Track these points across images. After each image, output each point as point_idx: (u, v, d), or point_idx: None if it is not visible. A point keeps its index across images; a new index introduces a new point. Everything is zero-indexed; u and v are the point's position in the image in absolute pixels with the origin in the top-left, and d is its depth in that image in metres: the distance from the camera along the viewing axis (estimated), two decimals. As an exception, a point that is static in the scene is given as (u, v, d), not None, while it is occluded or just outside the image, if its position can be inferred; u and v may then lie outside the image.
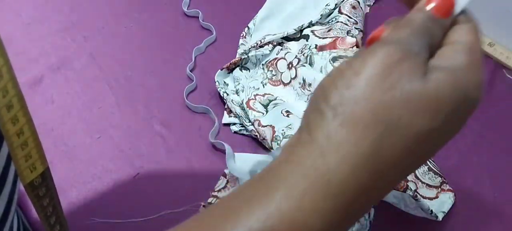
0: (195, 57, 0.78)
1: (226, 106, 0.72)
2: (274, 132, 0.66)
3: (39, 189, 0.40)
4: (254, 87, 0.73)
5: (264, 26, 0.81)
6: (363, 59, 0.24)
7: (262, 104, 0.71)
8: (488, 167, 0.67)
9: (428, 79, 0.25)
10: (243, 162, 0.65)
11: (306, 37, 0.79)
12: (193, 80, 0.74)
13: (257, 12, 0.83)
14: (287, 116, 0.68)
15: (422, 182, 0.64)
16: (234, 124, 0.71)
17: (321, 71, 0.72)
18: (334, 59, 0.72)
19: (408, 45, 0.25)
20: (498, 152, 0.69)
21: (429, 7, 0.27)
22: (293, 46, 0.78)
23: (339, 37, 0.76)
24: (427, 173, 0.65)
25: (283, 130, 0.66)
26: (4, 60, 0.32)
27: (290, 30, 0.79)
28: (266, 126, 0.67)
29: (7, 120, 0.34)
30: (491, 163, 0.67)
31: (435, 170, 0.65)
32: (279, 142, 0.65)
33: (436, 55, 0.26)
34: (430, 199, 0.62)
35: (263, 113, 0.69)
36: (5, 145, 0.35)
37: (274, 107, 0.70)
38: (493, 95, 0.75)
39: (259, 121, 0.68)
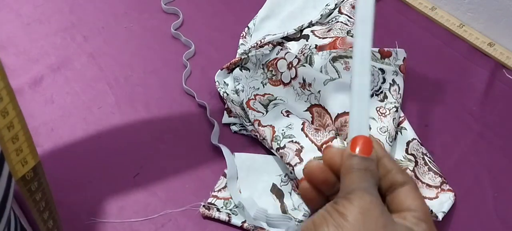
0: (192, 56, 0.78)
1: (226, 106, 0.72)
2: (274, 131, 0.66)
3: (31, 183, 0.40)
4: (254, 87, 0.73)
5: (264, 26, 0.81)
6: (344, 205, 0.30)
7: (262, 104, 0.71)
8: (488, 167, 0.67)
9: None
10: (243, 162, 0.65)
11: (306, 37, 0.79)
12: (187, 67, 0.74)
13: (257, 12, 0.83)
14: (287, 115, 0.68)
15: (422, 182, 0.64)
16: (234, 124, 0.71)
17: (321, 71, 0.72)
18: (334, 59, 0.72)
19: (369, 189, 0.31)
20: (498, 152, 0.69)
21: (358, 151, 0.34)
22: (293, 46, 0.78)
23: (339, 37, 0.76)
24: (427, 173, 0.65)
25: (283, 130, 0.66)
26: None
27: (290, 30, 0.79)
28: (266, 126, 0.67)
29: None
30: (491, 163, 0.67)
31: (435, 170, 0.65)
32: (279, 141, 0.65)
33: (399, 216, 0.32)
34: (430, 199, 0.62)
35: (263, 113, 0.69)
36: None
37: (274, 107, 0.70)
38: (493, 95, 0.75)
39: (259, 121, 0.68)
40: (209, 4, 0.86)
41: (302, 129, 0.66)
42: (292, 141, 0.64)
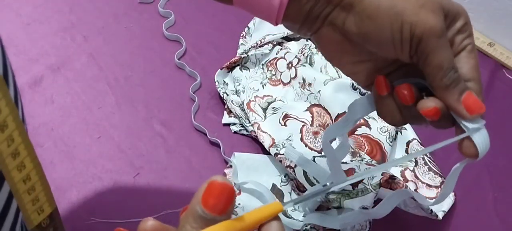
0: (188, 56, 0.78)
1: (226, 106, 0.72)
2: (273, 141, 0.66)
3: (47, 230, 0.40)
4: (254, 88, 0.73)
5: (264, 26, 0.81)
6: None
7: (261, 108, 0.70)
8: (488, 167, 0.67)
9: None
10: (243, 162, 0.65)
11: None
12: (197, 79, 0.74)
13: (257, 12, 0.83)
14: (285, 124, 0.68)
15: (422, 182, 0.64)
16: (234, 124, 0.71)
17: (321, 71, 0.72)
18: None
19: None
20: (498, 152, 0.69)
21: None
22: (293, 46, 0.78)
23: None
24: (427, 173, 0.65)
25: (283, 142, 0.66)
26: (10, 109, 0.33)
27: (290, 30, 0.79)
28: (265, 132, 0.67)
29: (12, 168, 0.34)
30: (491, 163, 0.67)
31: (435, 170, 0.65)
32: (278, 149, 0.65)
33: None
34: (430, 198, 0.63)
35: (262, 118, 0.69)
36: (6, 184, 0.35)
37: (272, 114, 0.70)
38: (493, 95, 0.75)
39: (259, 124, 0.68)
40: (209, 4, 0.86)
41: (301, 139, 0.66)
42: None
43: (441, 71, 0.35)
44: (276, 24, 0.39)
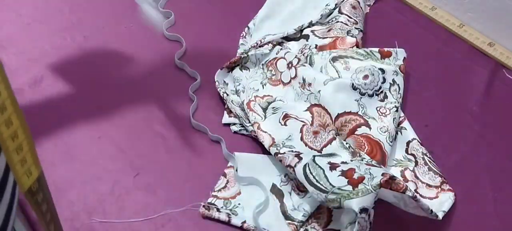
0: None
1: (226, 106, 0.72)
2: (273, 141, 0.66)
3: (37, 195, 0.40)
4: (254, 88, 0.73)
5: (264, 26, 0.81)
6: None
7: (261, 108, 0.70)
8: (488, 167, 0.67)
9: None
10: (243, 162, 0.65)
11: (306, 37, 0.79)
12: (197, 79, 0.74)
13: (257, 12, 0.83)
14: (285, 124, 0.68)
15: (422, 182, 0.64)
16: (234, 124, 0.71)
17: (321, 71, 0.72)
18: (334, 59, 0.72)
19: None
20: (498, 152, 0.69)
21: None
22: (293, 46, 0.78)
23: (339, 37, 0.76)
24: (427, 173, 0.65)
25: (283, 141, 0.66)
26: (2, 79, 0.33)
27: (290, 30, 0.79)
28: (265, 132, 0.67)
29: (1, 123, 0.34)
30: (491, 163, 0.67)
31: (435, 170, 0.65)
32: (278, 148, 0.65)
33: None
34: (430, 198, 0.62)
35: (262, 118, 0.69)
36: (2, 156, 0.35)
37: (272, 114, 0.70)
38: (493, 95, 0.75)
39: (259, 124, 0.68)
40: (209, 4, 0.86)
41: (301, 138, 0.66)
42: (291, 151, 0.65)
43: None
44: None
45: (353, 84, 0.69)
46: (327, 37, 0.77)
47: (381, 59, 0.73)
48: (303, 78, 0.72)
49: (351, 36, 0.76)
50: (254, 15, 0.83)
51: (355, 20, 0.80)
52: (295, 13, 0.83)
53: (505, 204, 0.63)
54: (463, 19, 0.83)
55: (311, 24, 0.81)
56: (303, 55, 0.75)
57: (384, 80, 0.70)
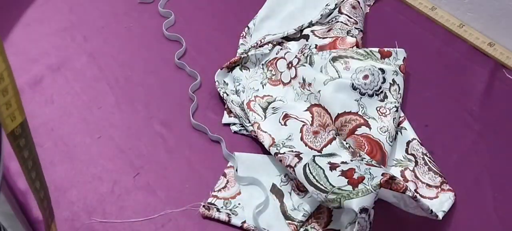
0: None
1: (226, 106, 0.72)
2: (273, 141, 0.66)
3: (19, 139, 0.41)
4: (254, 88, 0.73)
5: (264, 26, 0.81)
6: None
7: (261, 108, 0.70)
8: (488, 167, 0.67)
9: None
10: (243, 162, 0.66)
11: (306, 37, 0.79)
12: (197, 79, 0.74)
13: (257, 12, 0.83)
14: (285, 124, 0.68)
15: (422, 182, 0.64)
16: (234, 124, 0.71)
17: (321, 71, 0.72)
18: (334, 59, 0.72)
19: None
20: (498, 152, 0.69)
21: None
22: (293, 46, 0.78)
23: (339, 37, 0.76)
24: (427, 173, 0.65)
25: (283, 141, 0.66)
26: None
27: (290, 30, 0.79)
28: (265, 132, 0.67)
29: None
30: (491, 163, 0.67)
31: (435, 170, 0.65)
32: (278, 148, 0.65)
33: None
34: (430, 198, 0.62)
35: (262, 118, 0.69)
36: None
37: (272, 114, 0.70)
38: (493, 95, 0.75)
39: (259, 124, 0.68)
40: (209, 4, 0.86)
41: (301, 138, 0.66)
42: (291, 151, 0.65)
43: None
44: None
45: (353, 84, 0.69)
46: (327, 37, 0.77)
47: (381, 59, 0.73)
48: (303, 78, 0.72)
49: (351, 36, 0.76)
50: (254, 15, 0.83)
51: (355, 20, 0.80)
52: (295, 13, 0.83)
53: (505, 204, 0.63)
54: (463, 19, 0.83)
55: (311, 24, 0.81)
56: (303, 55, 0.75)
57: (384, 80, 0.70)
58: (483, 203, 0.64)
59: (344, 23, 0.79)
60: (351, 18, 0.80)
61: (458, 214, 0.62)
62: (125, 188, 0.64)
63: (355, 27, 0.78)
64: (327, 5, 0.83)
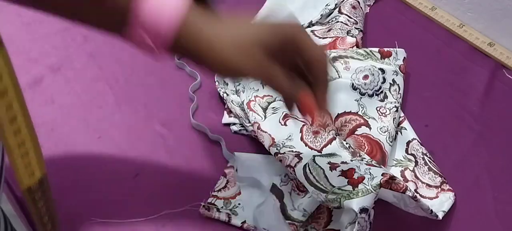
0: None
1: (226, 106, 0.72)
2: (273, 141, 0.66)
3: (35, 193, 0.41)
4: (253, 88, 0.73)
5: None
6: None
7: (261, 108, 0.70)
8: (488, 167, 0.67)
9: None
10: (243, 162, 0.65)
11: (306, 37, 0.79)
12: (197, 79, 0.74)
13: (257, 12, 0.83)
14: (285, 124, 0.68)
15: (422, 182, 0.64)
16: (234, 123, 0.70)
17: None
18: (334, 59, 0.72)
19: None
20: (498, 152, 0.69)
21: None
22: (293, 46, 0.78)
23: (339, 37, 0.76)
24: (427, 173, 0.65)
25: (283, 141, 0.66)
26: (11, 78, 0.37)
27: (290, 30, 0.79)
28: (265, 132, 0.67)
29: (10, 133, 0.36)
30: (491, 163, 0.67)
31: (435, 170, 0.65)
32: (278, 148, 0.65)
33: None
34: (430, 198, 0.62)
35: (262, 118, 0.69)
36: None
37: (272, 114, 0.70)
38: (493, 95, 0.75)
39: (259, 124, 0.68)
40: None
41: (301, 138, 0.66)
42: (292, 151, 0.65)
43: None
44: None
45: (353, 84, 0.69)
46: (327, 37, 0.77)
47: (381, 59, 0.73)
48: None
49: (351, 36, 0.76)
50: (254, 15, 0.83)
51: (355, 20, 0.80)
52: (295, 13, 0.83)
53: (505, 204, 0.63)
54: (463, 19, 0.83)
55: (311, 24, 0.81)
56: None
57: (384, 80, 0.70)
58: (483, 203, 0.64)
59: (344, 23, 0.79)
60: (351, 18, 0.80)
61: (458, 214, 0.62)
62: (125, 188, 0.64)
63: (355, 27, 0.78)
64: (327, 5, 0.83)
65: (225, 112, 0.72)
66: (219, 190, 0.64)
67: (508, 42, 0.79)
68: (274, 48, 0.43)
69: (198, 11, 0.45)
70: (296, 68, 0.46)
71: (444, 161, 0.67)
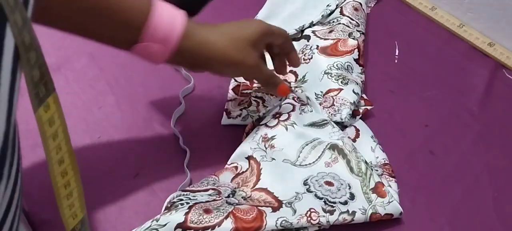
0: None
1: (225, 107, 0.72)
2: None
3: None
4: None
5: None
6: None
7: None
8: (488, 167, 0.67)
9: None
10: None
11: (307, 37, 0.79)
12: (190, 82, 0.74)
13: (257, 12, 0.83)
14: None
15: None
16: (234, 124, 0.70)
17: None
18: (332, 147, 0.64)
19: None
20: (498, 152, 0.69)
21: None
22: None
23: (340, 39, 0.76)
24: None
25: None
26: (61, 121, 0.41)
27: (291, 30, 0.79)
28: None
29: (58, 173, 0.40)
30: (491, 163, 0.67)
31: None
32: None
33: None
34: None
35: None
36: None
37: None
38: (493, 95, 0.75)
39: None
40: (208, 4, 0.86)
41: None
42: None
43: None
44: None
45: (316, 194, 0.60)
46: (328, 39, 0.77)
47: (372, 193, 0.61)
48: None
49: (353, 38, 0.76)
50: (254, 15, 0.83)
51: (357, 22, 0.79)
52: (296, 13, 0.83)
53: (505, 204, 0.63)
54: (463, 19, 0.83)
55: (311, 25, 0.81)
56: (304, 55, 0.75)
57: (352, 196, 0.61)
58: (483, 203, 0.64)
59: (346, 25, 0.78)
60: (353, 20, 0.79)
61: (458, 214, 0.62)
62: (125, 188, 0.64)
63: (357, 30, 0.78)
64: (328, 5, 0.83)
65: (224, 113, 0.71)
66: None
67: (508, 42, 0.79)
68: (257, 40, 0.58)
69: (193, 21, 0.55)
70: (267, 49, 0.63)
71: (444, 161, 0.67)
